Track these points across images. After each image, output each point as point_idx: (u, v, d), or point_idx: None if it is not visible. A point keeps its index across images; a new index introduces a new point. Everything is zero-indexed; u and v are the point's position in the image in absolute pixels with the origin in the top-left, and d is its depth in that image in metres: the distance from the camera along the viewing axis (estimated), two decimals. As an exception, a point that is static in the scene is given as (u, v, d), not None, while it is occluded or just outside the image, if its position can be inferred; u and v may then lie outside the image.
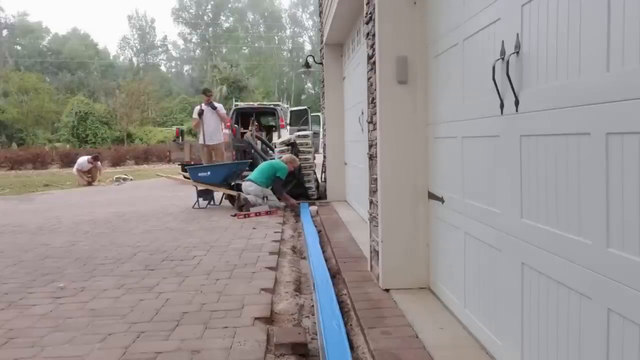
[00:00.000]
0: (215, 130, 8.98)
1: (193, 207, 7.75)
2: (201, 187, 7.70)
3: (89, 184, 13.66)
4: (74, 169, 14.26)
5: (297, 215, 6.98)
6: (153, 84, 40.13)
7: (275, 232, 5.53)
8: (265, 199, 7.18)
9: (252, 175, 7.33)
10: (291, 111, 15.76)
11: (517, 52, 1.90)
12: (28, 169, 22.22)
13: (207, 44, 59.33)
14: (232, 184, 7.63)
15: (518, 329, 1.97)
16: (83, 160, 14.01)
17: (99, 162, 14.20)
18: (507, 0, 2.00)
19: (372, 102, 3.46)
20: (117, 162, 23.89)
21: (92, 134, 31.78)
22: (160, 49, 63.32)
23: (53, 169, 21.24)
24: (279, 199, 7.36)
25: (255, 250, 4.64)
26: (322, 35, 8.40)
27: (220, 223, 6.30)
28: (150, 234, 5.63)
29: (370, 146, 3.58)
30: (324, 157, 8.61)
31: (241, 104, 18.67)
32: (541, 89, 1.76)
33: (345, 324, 2.94)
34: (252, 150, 12.22)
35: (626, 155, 1.34)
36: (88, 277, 3.86)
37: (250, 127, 13.58)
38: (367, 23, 3.55)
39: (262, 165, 7.57)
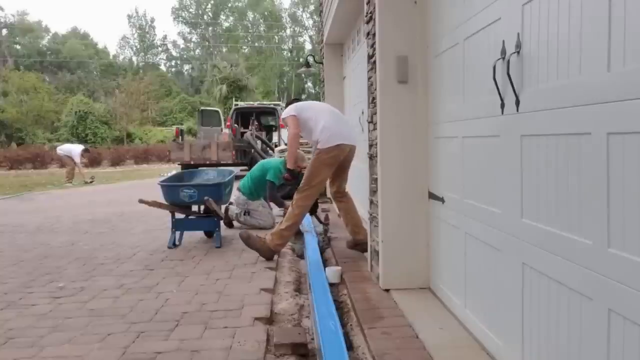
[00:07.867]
0: None
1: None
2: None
3: (69, 180, 13.22)
4: (63, 153, 13.30)
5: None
6: (153, 84, 40.10)
7: (275, 232, 5.51)
8: (247, 214, 5.54)
9: (242, 180, 5.82)
10: (291, 111, 15.72)
11: (518, 52, 1.89)
12: (28, 168, 22.18)
13: (207, 43, 59.28)
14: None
15: (518, 329, 1.97)
16: (77, 151, 13.29)
17: (78, 161, 13.40)
18: (507, -1, 1.99)
19: (372, 101, 3.45)
20: (116, 161, 23.88)
21: (92, 133, 31.71)
22: (160, 49, 63.34)
23: (53, 168, 21.20)
24: (280, 207, 5.57)
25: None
26: (322, 35, 8.38)
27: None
28: (150, 234, 5.63)
29: (371, 146, 3.57)
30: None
31: (241, 104, 18.73)
32: (542, 88, 1.76)
33: (345, 324, 2.94)
34: (252, 150, 12.21)
35: (627, 155, 1.34)
36: (88, 277, 3.86)
37: (250, 127, 13.61)
38: (367, 22, 3.54)
39: (254, 167, 5.91)
